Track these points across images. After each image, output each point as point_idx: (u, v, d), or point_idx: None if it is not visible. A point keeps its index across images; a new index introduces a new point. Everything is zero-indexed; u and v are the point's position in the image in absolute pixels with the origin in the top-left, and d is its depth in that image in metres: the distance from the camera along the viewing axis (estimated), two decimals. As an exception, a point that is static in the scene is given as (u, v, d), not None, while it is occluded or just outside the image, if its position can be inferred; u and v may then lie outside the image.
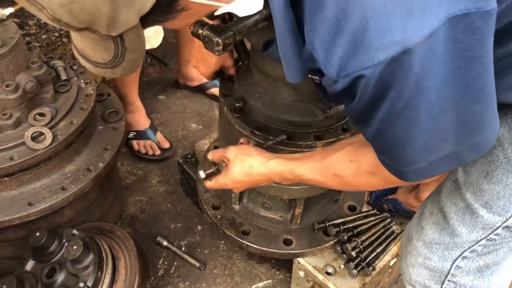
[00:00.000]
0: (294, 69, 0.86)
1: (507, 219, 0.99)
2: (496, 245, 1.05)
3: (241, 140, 1.31)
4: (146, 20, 0.75)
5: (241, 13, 0.87)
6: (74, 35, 0.83)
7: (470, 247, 1.07)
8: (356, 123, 0.87)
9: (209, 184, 1.30)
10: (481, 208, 1.01)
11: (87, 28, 0.75)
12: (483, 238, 1.04)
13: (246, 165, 1.20)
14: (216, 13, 0.87)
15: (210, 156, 1.30)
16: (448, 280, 1.13)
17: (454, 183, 1.07)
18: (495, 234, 1.03)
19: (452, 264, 1.10)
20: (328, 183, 1.10)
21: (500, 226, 1.00)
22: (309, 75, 0.87)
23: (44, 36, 3.12)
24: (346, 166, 1.02)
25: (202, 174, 1.30)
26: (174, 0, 0.75)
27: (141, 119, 2.33)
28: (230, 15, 1.15)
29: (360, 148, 0.99)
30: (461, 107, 0.75)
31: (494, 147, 0.97)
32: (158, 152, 2.30)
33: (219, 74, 1.54)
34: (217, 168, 1.29)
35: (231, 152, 1.23)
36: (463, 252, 1.08)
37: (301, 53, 0.82)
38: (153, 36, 2.02)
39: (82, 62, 0.87)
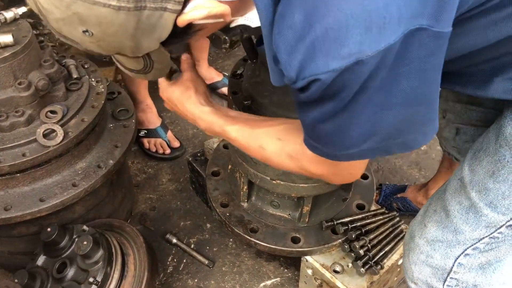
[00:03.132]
0: (274, 73, 0.89)
1: (511, 218, 0.99)
2: (499, 243, 1.05)
3: (183, 57, 1.24)
4: (167, 43, 0.85)
5: (253, 25, 0.91)
6: None
7: (472, 245, 1.07)
8: (296, 108, 0.90)
9: (161, 82, 1.25)
10: (485, 207, 1.01)
11: (116, 53, 0.88)
12: (486, 236, 1.04)
13: (185, 95, 1.19)
14: (231, 26, 0.93)
15: (185, 57, 1.23)
16: (451, 278, 1.13)
17: (459, 181, 1.07)
18: (498, 233, 1.03)
19: (454, 262, 1.11)
20: (250, 151, 1.14)
21: (504, 225, 1.00)
22: None
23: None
24: (273, 142, 1.07)
25: (174, 66, 1.23)
26: (189, 26, 0.83)
27: (152, 118, 2.35)
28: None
29: (291, 130, 1.04)
30: (398, 110, 0.81)
31: (501, 146, 0.97)
32: (168, 151, 2.32)
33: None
34: (175, 69, 1.24)
35: (189, 77, 1.20)
36: (466, 250, 1.08)
37: None
38: None
39: (121, 67, 0.99)
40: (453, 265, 1.11)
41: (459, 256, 1.09)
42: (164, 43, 0.84)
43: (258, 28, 1.01)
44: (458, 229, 1.07)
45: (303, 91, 0.79)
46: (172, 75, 1.24)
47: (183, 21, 0.79)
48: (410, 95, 0.79)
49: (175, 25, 0.80)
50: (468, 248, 1.07)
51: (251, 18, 0.91)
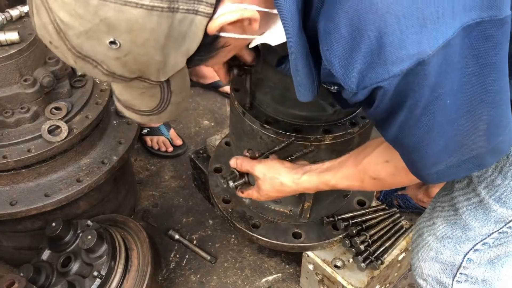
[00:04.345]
0: (305, 89, 0.89)
1: None
2: (508, 237, 1.06)
3: (246, 153, 1.36)
4: (191, 61, 0.81)
5: (273, 43, 0.90)
6: (118, 88, 0.87)
7: (482, 240, 1.08)
8: (376, 127, 0.89)
9: (240, 195, 1.40)
10: (494, 203, 1.02)
11: (138, 78, 0.80)
12: (495, 231, 1.05)
13: (276, 183, 1.27)
14: (250, 46, 0.92)
15: (234, 165, 1.35)
16: (460, 273, 1.14)
17: (467, 178, 1.07)
18: (507, 227, 1.03)
19: (464, 257, 1.11)
20: (366, 187, 1.14)
21: None
22: (325, 86, 0.90)
23: (60, 35, 3.18)
24: (383, 167, 1.05)
25: (231, 184, 1.36)
26: (215, 38, 0.80)
27: None
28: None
29: (388, 147, 0.99)
30: (478, 112, 0.78)
31: None
32: (170, 149, 2.34)
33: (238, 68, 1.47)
34: (246, 179, 1.37)
35: (259, 171, 1.29)
36: (475, 245, 1.09)
37: (312, 74, 0.86)
38: None
39: (127, 113, 0.92)
40: (463, 261, 1.12)
41: (468, 252, 1.10)
42: (188, 61, 0.80)
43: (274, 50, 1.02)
44: (467, 225, 1.08)
45: (370, 105, 0.78)
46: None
47: (214, 27, 0.75)
48: (489, 92, 0.76)
49: (204, 35, 0.76)
50: (477, 243, 1.08)
51: (270, 36, 0.89)
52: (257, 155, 1.35)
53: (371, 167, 1.08)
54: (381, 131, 0.88)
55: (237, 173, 1.36)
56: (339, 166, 1.16)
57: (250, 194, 1.37)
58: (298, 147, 1.37)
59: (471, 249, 1.10)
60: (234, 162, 1.35)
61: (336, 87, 0.88)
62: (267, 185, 1.28)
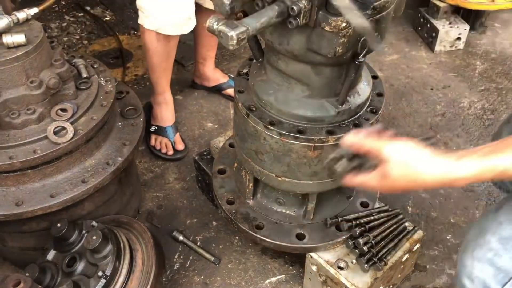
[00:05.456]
0: None
1: None
2: None
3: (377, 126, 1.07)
4: None
5: None
6: None
7: None
8: None
9: (351, 182, 1.13)
10: None
11: None
12: None
13: (412, 170, 1.00)
14: None
15: (352, 142, 1.08)
16: (511, 283, 1.06)
17: None
18: None
19: None
20: None
21: None
22: None
23: (65, 39, 3.21)
24: None
25: (341, 167, 1.11)
26: None
27: (166, 115, 2.36)
28: (245, 12, 1.19)
29: None
30: None
31: None
32: (170, 152, 2.34)
33: None
34: (364, 162, 1.09)
35: (391, 151, 1.02)
36: None
37: None
38: (186, 23, 2.06)
39: None
40: None
41: None
42: None
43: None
44: None
45: None
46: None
47: None
48: None
49: None
50: None
51: None
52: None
53: None
54: None
55: (349, 153, 1.09)
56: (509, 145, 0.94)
57: (366, 182, 1.09)
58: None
59: None
60: (352, 139, 1.08)
61: None
62: (398, 171, 1.01)
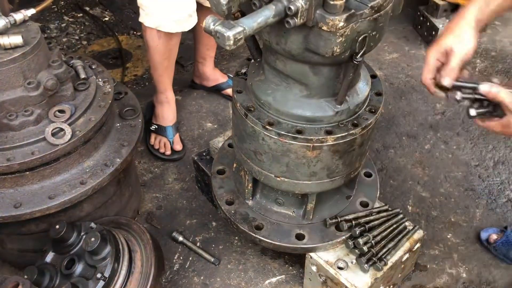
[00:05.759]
0: None
1: None
2: None
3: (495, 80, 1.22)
4: None
5: None
6: None
7: None
8: None
9: (480, 124, 1.27)
10: None
11: None
12: None
13: None
14: None
15: (488, 92, 1.20)
16: None
17: None
18: None
19: None
20: None
21: None
22: None
23: (64, 39, 3.21)
24: None
25: (473, 112, 1.23)
26: None
27: (167, 114, 2.36)
28: (242, 12, 1.18)
29: None
30: None
31: None
32: (168, 152, 2.34)
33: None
34: (492, 110, 1.23)
35: (508, 97, 1.15)
36: None
37: None
38: (186, 20, 2.05)
39: None
40: None
41: None
42: None
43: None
44: None
45: None
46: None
47: None
48: None
49: None
50: None
51: None
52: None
53: None
54: None
55: (483, 101, 1.22)
56: None
57: (492, 127, 1.24)
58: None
59: None
60: (489, 89, 1.19)
61: None
62: None
